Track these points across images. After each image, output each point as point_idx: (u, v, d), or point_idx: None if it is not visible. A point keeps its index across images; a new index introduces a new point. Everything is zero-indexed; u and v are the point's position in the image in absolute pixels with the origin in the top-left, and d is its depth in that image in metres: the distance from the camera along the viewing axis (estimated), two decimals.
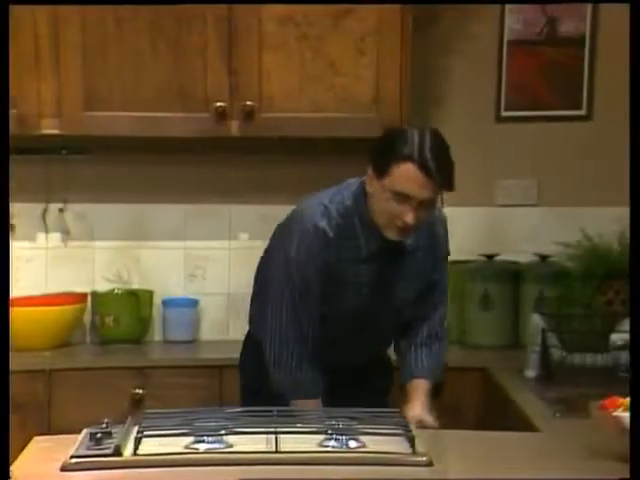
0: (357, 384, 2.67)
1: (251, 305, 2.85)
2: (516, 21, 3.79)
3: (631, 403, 1.78)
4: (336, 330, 2.60)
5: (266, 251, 2.76)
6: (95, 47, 3.41)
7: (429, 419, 2.54)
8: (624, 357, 2.95)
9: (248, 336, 2.86)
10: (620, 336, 3.00)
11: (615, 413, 1.99)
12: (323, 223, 2.49)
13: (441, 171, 2.38)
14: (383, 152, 2.44)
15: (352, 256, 2.53)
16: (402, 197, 2.39)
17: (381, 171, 2.42)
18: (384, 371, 2.82)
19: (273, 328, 2.57)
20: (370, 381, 2.72)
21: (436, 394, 2.68)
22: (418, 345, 2.69)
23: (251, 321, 2.84)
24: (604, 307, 3.36)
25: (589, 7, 3.77)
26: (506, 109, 3.84)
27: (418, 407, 2.57)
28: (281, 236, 2.62)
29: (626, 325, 3.08)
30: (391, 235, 2.47)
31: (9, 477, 1.84)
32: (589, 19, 3.78)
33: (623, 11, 3.66)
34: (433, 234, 2.64)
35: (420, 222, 2.45)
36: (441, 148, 2.41)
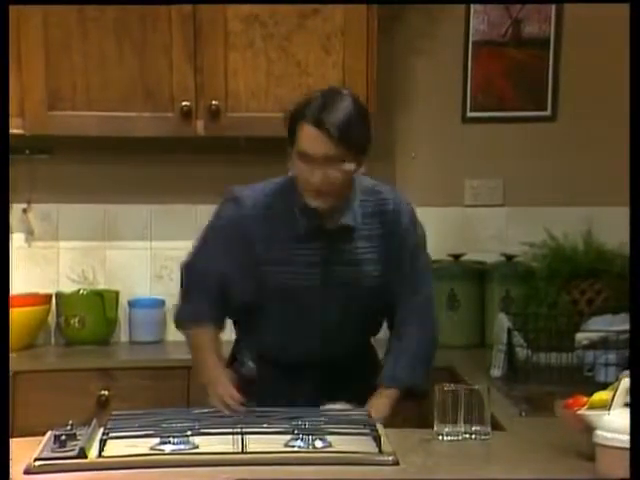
0: (341, 382, 2.58)
1: None
2: (481, 22, 3.80)
3: (631, 401, 1.78)
4: (282, 311, 2.56)
5: None
6: (59, 46, 3.39)
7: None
8: (589, 356, 2.97)
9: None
10: (585, 335, 3.02)
11: (579, 412, 2.00)
12: (256, 195, 2.59)
13: (340, 128, 2.37)
14: (290, 119, 2.46)
15: (289, 233, 2.52)
16: (305, 158, 2.42)
17: (291, 138, 2.46)
18: (370, 368, 2.69)
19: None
20: (355, 379, 2.62)
21: (417, 395, 2.60)
22: (396, 347, 2.64)
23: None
24: (569, 307, 3.38)
25: (553, 8, 3.80)
26: (472, 110, 3.85)
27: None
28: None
29: (591, 324, 3.10)
30: (309, 201, 2.47)
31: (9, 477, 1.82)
32: (553, 20, 3.80)
33: (587, 12, 3.71)
34: (395, 222, 2.59)
35: (330, 185, 2.43)
36: (346, 108, 2.41)
